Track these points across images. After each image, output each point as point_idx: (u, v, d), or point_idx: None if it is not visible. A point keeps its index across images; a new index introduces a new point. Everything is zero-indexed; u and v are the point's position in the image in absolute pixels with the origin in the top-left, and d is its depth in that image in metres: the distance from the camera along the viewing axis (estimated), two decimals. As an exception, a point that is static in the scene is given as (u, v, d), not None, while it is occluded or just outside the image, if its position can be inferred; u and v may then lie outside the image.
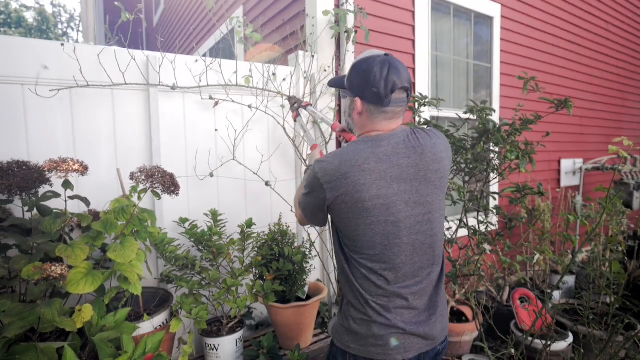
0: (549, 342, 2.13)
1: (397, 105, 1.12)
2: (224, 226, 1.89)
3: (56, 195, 1.45)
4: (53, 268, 1.15)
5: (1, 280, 1.34)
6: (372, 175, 1.05)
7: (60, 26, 22.36)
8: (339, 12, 2.22)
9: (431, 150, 1.11)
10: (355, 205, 1.06)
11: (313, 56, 2.27)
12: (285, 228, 1.93)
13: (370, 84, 1.08)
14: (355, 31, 2.35)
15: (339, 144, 2.44)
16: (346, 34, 2.26)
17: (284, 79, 2.24)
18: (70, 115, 1.69)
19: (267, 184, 2.20)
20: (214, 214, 1.86)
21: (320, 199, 1.11)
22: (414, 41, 2.77)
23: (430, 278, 1.15)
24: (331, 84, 1.31)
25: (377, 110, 1.12)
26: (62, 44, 1.64)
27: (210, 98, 2.00)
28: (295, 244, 1.96)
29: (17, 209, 1.50)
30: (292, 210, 2.31)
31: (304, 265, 1.86)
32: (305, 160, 2.27)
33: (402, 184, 1.07)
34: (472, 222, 2.56)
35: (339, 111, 2.41)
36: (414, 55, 2.79)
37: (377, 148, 1.08)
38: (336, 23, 2.30)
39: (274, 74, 2.19)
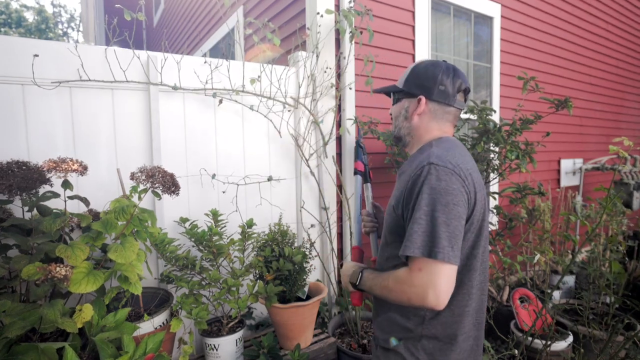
0: (549, 342, 2.13)
1: (459, 108, 1.13)
2: (225, 226, 1.89)
3: (56, 195, 1.45)
4: (58, 269, 1.15)
5: (1, 280, 1.34)
6: (478, 185, 1.04)
7: (60, 26, 22.36)
8: (345, 13, 2.21)
9: None
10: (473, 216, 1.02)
11: (318, 56, 2.26)
12: (285, 228, 1.93)
13: (438, 82, 1.09)
14: (361, 32, 2.35)
15: (339, 145, 2.44)
16: (350, 34, 2.26)
17: (288, 78, 2.24)
18: (70, 116, 1.69)
19: (269, 179, 2.20)
20: (215, 214, 1.86)
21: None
22: (413, 41, 2.77)
23: None
24: (381, 90, 1.25)
25: (442, 110, 1.11)
26: (74, 44, 1.64)
27: (214, 96, 2.00)
28: (296, 244, 1.96)
29: (17, 209, 1.50)
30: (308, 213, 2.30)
31: (304, 266, 1.86)
32: (307, 160, 2.27)
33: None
34: (472, 222, 2.55)
35: (339, 111, 2.41)
36: (413, 56, 2.79)
37: (468, 155, 1.10)
38: (338, 23, 2.30)
39: (270, 64, 2.19)
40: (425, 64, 1.13)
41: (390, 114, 1.23)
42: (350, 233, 2.28)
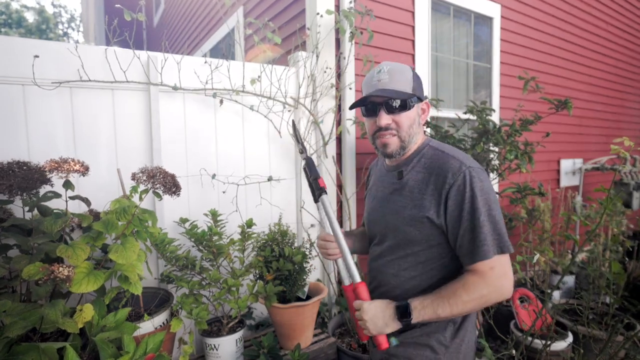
0: (548, 342, 2.13)
1: None
2: (224, 226, 1.89)
3: (57, 195, 1.45)
4: (61, 269, 1.16)
5: (2, 280, 1.34)
6: None
7: (60, 26, 22.37)
8: (346, 13, 2.22)
9: None
10: None
11: (318, 56, 2.26)
12: (285, 228, 1.94)
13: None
14: (361, 32, 2.35)
15: (339, 145, 2.44)
16: (350, 34, 2.26)
17: (288, 78, 2.24)
18: (70, 116, 1.69)
19: (269, 179, 2.20)
20: (214, 214, 1.87)
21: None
22: (413, 41, 2.77)
23: None
24: (394, 94, 1.09)
25: None
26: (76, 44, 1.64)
27: (214, 96, 2.00)
28: (296, 244, 1.97)
29: (18, 209, 1.50)
30: (320, 222, 2.31)
31: (304, 265, 1.86)
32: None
33: None
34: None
35: (339, 111, 2.41)
36: (413, 56, 2.79)
37: None
38: (338, 23, 2.30)
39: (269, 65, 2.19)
40: (410, 68, 1.15)
41: (386, 125, 1.10)
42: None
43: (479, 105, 2.37)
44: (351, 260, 1.16)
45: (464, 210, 1.00)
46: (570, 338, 2.36)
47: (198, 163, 2.01)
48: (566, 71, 4.07)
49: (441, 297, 1.00)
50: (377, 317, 1.05)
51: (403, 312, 1.02)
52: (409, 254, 1.11)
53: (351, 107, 1.19)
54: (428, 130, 2.51)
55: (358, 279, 1.13)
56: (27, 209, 1.46)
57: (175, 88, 1.89)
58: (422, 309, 1.01)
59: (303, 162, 1.33)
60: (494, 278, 0.97)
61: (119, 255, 1.29)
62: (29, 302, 1.32)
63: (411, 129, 1.12)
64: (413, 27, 2.76)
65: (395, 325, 1.04)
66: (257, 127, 2.19)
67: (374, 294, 1.20)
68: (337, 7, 2.39)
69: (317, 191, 1.24)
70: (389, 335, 1.07)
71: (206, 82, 1.98)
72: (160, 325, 1.55)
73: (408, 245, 1.10)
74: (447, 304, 0.99)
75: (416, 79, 1.13)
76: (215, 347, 1.69)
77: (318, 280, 2.38)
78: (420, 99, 1.15)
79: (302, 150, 1.38)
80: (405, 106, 1.09)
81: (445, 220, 1.03)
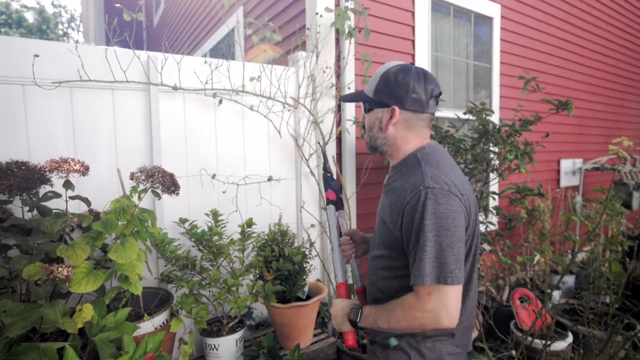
0: (548, 342, 2.13)
1: (432, 112, 1.11)
2: (224, 226, 1.89)
3: (57, 195, 1.45)
4: (60, 269, 1.16)
5: (1, 280, 1.34)
6: (471, 197, 1.06)
7: (60, 27, 22.37)
8: (341, 12, 2.22)
9: None
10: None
11: (317, 56, 2.26)
12: (285, 228, 1.94)
13: (410, 90, 1.06)
14: (359, 31, 2.35)
15: (339, 145, 2.44)
16: (349, 34, 2.26)
17: (288, 78, 2.24)
18: (70, 116, 1.70)
19: (269, 179, 2.20)
20: (215, 214, 1.87)
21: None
22: (413, 41, 2.77)
23: None
24: (348, 99, 1.25)
25: (416, 118, 1.09)
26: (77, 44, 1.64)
27: (214, 96, 2.00)
28: (296, 244, 1.97)
29: (18, 209, 1.51)
30: (313, 224, 2.31)
31: (304, 265, 1.86)
32: (307, 160, 2.27)
33: None
34: (472, 222, 2.55)
35: (339, 111, 2.41)
36: (413, 56, 2.79)
37: (454, 164, 1.10)
38: (337, 22, 2.30)
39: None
40: (395, 70, 1.08)
41: (361, 123, 1.23)
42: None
43: (479, 105, 2.37)
44: (339, 267, 1.35)
45: (412, 231, 0.98)
46: (570, 338, 2.36)
47: (198, 163, 2.01)
48: (566, 71, 4.07)
49: (384, 309, 1.04)
50: (338, 314, 1.17)
51: (354, 315, 1.11)
52: (384, 255, 1.12)
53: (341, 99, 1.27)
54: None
55: (340, 280, 1.31)
56: (27, 209, 1.46)
57: (175, 88, 1.89)
58: (367, 316, 1.08)
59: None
60: (429, 303, 0.94)
61: (118, 255, 1.29)
62: (29, 302, 1.32)
63: (371, 132, 1.15)
64: (413, 27, 2.76)
65: (349, 325, 1.14)
66: (257, 127, 2.19)
67: (367, 288, 1.28)
68: (337, 6, 2.39)
69: (324, 200, 1.35)
70: (389, 336, 1.08)
71: (206, 82, 1.98)
72: (160, 325, 1.55)
73: (384, 247, 1.11)
74: (385, 317, 1.02)
75: (384, 81, 1.09)
76: (215, 347, 1.69)
77: (318, 280, 2.38)
78: (383, 104, 1.09)
79: (328, 172, 1.56)
80: (367, 109, 1.15)
81: (401, 235, 1.03)
